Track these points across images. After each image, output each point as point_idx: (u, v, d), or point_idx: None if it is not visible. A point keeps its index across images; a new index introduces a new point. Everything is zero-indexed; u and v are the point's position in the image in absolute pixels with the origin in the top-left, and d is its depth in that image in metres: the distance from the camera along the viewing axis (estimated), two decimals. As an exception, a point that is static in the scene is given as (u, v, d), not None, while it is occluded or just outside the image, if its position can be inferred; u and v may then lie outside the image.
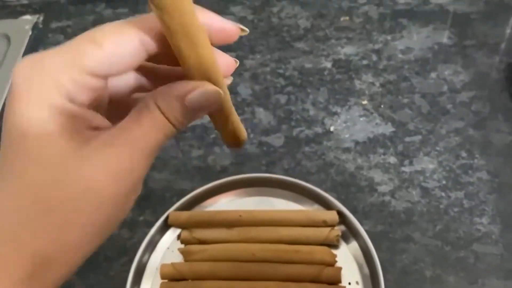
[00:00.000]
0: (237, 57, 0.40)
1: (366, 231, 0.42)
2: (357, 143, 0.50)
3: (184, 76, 0.23)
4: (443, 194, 0.46)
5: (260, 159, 0.50)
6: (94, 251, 0.23)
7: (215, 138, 0.52)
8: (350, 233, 0.43)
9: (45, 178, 0.20)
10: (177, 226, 0.44)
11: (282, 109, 0.54)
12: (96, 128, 0.22)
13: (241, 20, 0.64)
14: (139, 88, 0.26)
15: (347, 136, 0.51)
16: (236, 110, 0.26)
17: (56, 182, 0.20)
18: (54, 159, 0.20)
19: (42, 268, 0.21)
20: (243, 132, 0.27)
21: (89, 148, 0.21)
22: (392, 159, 0.49)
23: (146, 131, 0.22)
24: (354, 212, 0.43)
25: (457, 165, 0.48)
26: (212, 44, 0.23)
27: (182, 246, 0.44)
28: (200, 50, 0.22)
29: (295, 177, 0.45)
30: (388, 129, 0.51)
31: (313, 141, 0.51)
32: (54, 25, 0.67)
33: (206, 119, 0.53)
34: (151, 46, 0.22)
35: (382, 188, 0.47)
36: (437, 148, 0.49)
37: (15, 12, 0.70)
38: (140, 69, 0.25)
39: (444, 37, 0.59)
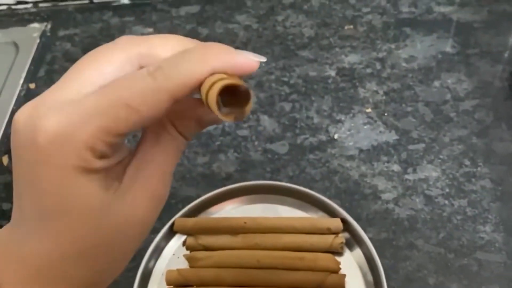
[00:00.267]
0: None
1: (370, 238, 0.42)
2: (361, 150, 0.51)
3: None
4: (446, 202, 0.46)
5: (264, 166, 0.50)
6: None
7: (220, 145, 0.53)
8: (354, 241, 0.43)
9: (89, 226, 0.21)
10: (183, 232, 0.45)
11: (286, 116, 0.54)
12: (120, 162, 0.23)
13: (246, 28, 0.64)
14: None
15: (351, 143, 0.51)
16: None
17: (98, 228, 0.21)
18: (96, 212, 0.21)
19: None
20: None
21: (120, 191, 0.22)
22: (396, 167, 0.49)
23: (168, 154, 0.23)
24: (358, 220, 0.43)
25: (461, 173, 0.48)
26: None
27: (188, 252, 0.44)
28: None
29: (299, 185, 0.46)
30: (391, 137, 0.51)
31: (317, 149, 0.51)
32: (61, 33, 0.68)
33: (211, 127, 0.54)
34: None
35: (385, 196, 0.47)
36: (441, 156, 0.49)
37: (23, 20, 0.71)
38: None
39: (448, 46, 0.59)
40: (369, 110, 0.54)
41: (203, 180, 0.50)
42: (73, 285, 0.22)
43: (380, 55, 0.59)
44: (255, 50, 0.61)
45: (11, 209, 0.22)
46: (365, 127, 0.53)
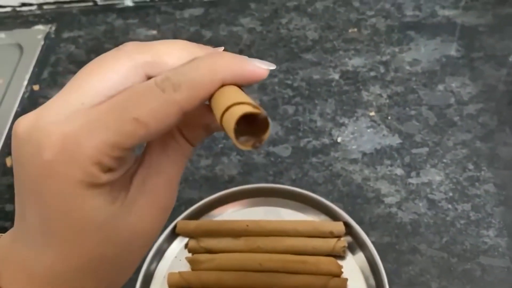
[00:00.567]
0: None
1: (373, 242, 0.42)
2: (364, 154, 0.50)
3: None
4: (449, 206, 0.46)
5: (267, 169, 0.50)
6: None
7: (223, 148, 0.53)
8: (357, 244, 0.43)
9: (95, 240, 0.21)
10: (185, 235, 0.45)
11: (289, 119, 0.54)
12: (128, 171, 0.23)
13: (249, 31, 0.64)
14: None
15: (354, 147, 0.51)
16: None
17: (104, 241, 0.21)
18: (102, 226, 0.21)
19: None
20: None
21: (127, 202, 0.22)
22: (399, 171, 0.49)
23: (175, 163, 0.23)
24: (360, 223, 0.43)
25: (464, 177, 0.48)
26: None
27: (190, 255, 0.44)
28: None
29: (302, 188, 0.46)
30: (395, 140, 0.51)
31: (320, 152, 0.51)
32: (66, 35, 0.68)
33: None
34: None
35: (388, 200, 0.47)
36: (444, 160, 0.49)
37: (27, 22, 0.71)
38: None
39: (452, 50, 0.59)
40: (372, 113, 0.54)
41: (205, 182, 0.50)
42: None
43: (384, 58, 0.59)
44: (258, 53, 0.61)
45: (14, 210, 0.22)
46: (369, 130, 0.52)
